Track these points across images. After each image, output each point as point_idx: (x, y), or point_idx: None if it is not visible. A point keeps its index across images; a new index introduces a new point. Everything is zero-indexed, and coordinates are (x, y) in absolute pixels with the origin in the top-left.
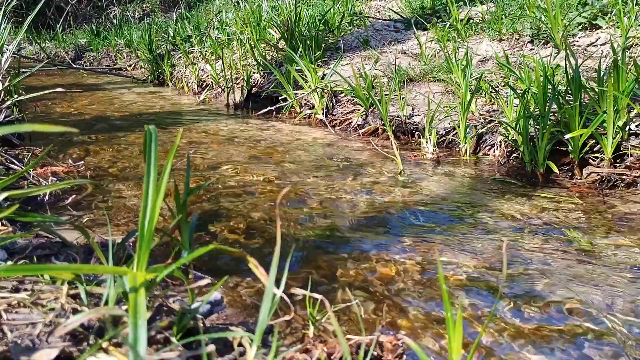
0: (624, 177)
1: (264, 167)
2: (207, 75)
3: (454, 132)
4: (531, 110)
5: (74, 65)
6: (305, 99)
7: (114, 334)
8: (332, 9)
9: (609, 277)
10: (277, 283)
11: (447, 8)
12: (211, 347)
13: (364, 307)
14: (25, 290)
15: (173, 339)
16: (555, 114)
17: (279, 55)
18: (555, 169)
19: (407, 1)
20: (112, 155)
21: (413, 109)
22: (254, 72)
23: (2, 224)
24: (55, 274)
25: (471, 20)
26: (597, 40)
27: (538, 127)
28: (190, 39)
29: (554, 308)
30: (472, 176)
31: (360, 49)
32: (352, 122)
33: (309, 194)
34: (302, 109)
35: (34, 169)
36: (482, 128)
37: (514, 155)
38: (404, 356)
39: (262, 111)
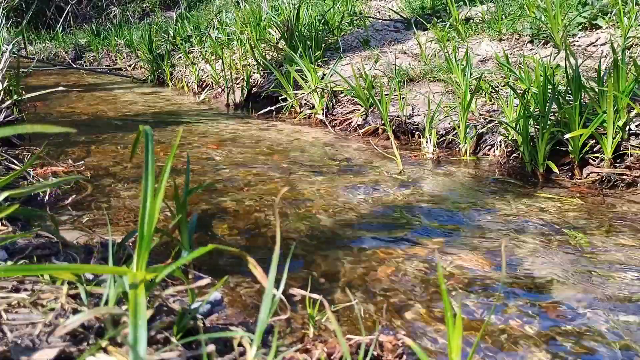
0: (624, 177)
1: (264, 166)
2: (207, 75)
3: (454, 132)
4: (531, 110)
5: (74, 65)
6: (305, 99)
7: (114, 334)
8: (332, 9)
9: (608, 277)
10: (277, 283)
11: (447, 8)
12: (211, 347)
13: (364, 307)
14: (25, 290)
15: (173, 339)
16: (555, 114)
17: (279, 55)
18: (555, 169)
19: (407, 1)
20: (112, 155)
21: (413, 109)
22: (254, 72)
23: (2, 224)
24: (55, 274)
25: (471, 20)
26: (597, 40)
27: (538, 127)
28: (190, 39)
29: (553, 308)
30: (472, 176)
31: (360, 49)
32: (352, 122)
33: (309, 194)
34: (302, 109)
35: (34, 169)
36: (482, 128)
37: (514, 155)
38: (404, 356)
39: (262, 111)
